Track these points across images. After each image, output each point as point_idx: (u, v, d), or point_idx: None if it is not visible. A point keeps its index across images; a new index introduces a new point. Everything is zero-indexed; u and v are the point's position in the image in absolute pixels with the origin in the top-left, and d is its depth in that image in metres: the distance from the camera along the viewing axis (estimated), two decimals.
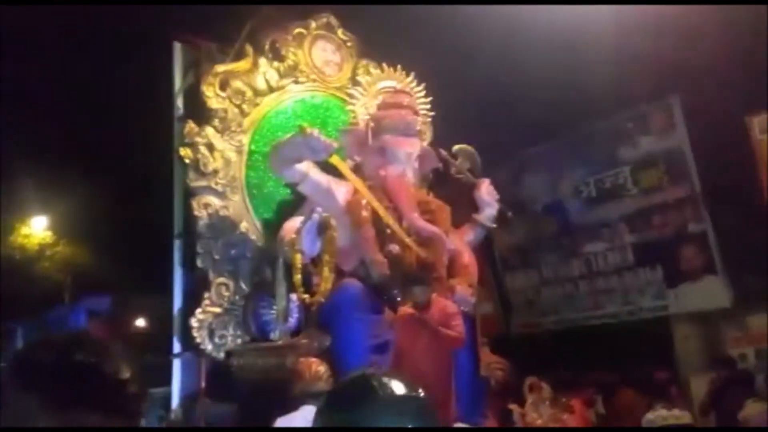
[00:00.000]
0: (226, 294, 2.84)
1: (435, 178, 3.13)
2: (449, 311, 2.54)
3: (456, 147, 3.13)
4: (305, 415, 1.96)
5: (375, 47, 3.35)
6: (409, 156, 2.80)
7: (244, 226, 2.91)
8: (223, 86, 3.00)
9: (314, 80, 3.24)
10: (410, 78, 3.04)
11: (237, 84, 3.02)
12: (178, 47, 3.10)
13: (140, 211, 3.02)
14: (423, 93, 3.04)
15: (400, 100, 2.90)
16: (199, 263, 2.84)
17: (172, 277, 2.95)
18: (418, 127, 2.88)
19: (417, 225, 2.67)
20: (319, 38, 3.29)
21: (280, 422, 2.05)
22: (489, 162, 3.20)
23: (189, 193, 2.88)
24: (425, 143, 3.09)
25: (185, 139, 2.90)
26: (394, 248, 2.62)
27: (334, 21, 3.33)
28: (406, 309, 2.49)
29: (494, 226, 3.11)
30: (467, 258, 2.84)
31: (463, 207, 3.07)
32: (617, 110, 4.39)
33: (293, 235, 2.51)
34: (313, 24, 3.28)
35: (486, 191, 3.07)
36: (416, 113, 2.93)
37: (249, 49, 3.08)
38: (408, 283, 2.56)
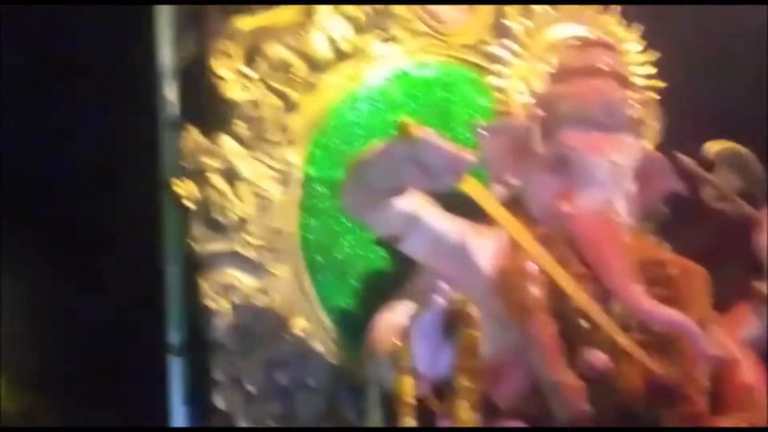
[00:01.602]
0: None
1: (674, 211, 3.09)
2: None
3: (714, 147, 3.10)
4: None
5: None
6: (617, 171, 2.75)
7: (300, 325, 2.94)
8: (252, 58, 3.05)
9: (422, 33, 3.26)
10: (614, 16, 3.03)
11: (277, 51, 3.08)
12: None
13: (102, 306, 3.10)
14: (642, 44, 3.02)
15: (593, 60, 2.87)
16: (218, 402, 2.88)
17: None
18: (632, 114, 2.83)
19: (643, 309, 2.62)
20: None
21: None
22: None
23: (194, 266, 2.93)
24: (649, 145, 3.05)
25: (183, 163, 2.97)
26: (599, 358, 2.59)
27: None
28: None
29: None
30: (749, 374, 2.77)
31: (734, 267, 3.01)
32: None
33: (396, 341, 2.50)
34: None
35: None
36: (628, 85, 2.89)
37: None
38: (628, 425, 2.52)
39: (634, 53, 3.00)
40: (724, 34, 3.68)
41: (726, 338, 2.79)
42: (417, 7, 3.26)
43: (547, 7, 3.03)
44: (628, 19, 3.02)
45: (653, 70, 3.01)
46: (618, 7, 3.00)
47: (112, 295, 3.06)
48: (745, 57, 3.76)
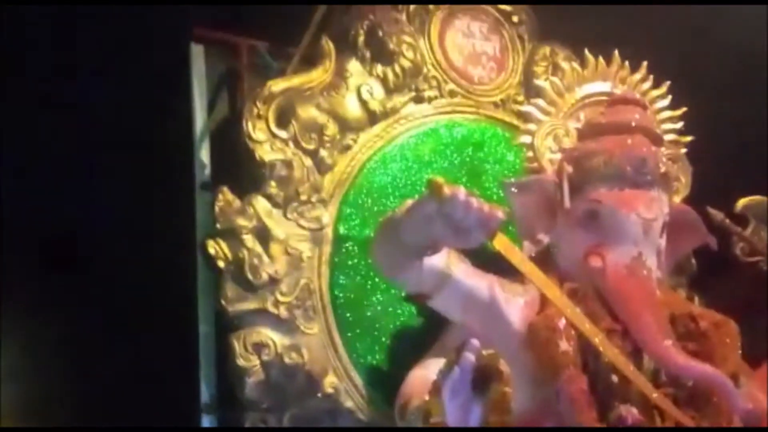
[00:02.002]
0: None
1: (704, 265, 3.07)
2: None
3: (744, 201, 3.10)
4: None
5: (564, 21, 3.40)
6: (647, 227, 2.73)
7: (331, 382, 2.94)
8: (284, 119, 3.08)
9: (452, 93, 3.32)
10: (641, 73, 3.03)
11: (309, 112, 3.11)
12: (197, 51, 3.23)
13: (137, 364, 3.12)
14: (668, 100, 3.02)
15: (623, 117, 2.87)
16: None
17: None
18: (662, 169, 2.83)
19: (675, 363, 2.58)
20: (459, 12, 3.38)
21: None
22: None
23: (226, 326, 2.94)
24: (679, 199, 3.06)
25: (216, 223, 2.98)
26: (630, 413, 2.55)
27: None
28: None
29: None
30: None
31: (765, 320, 2.97)
32: None
33: (426, 398, 2.50)
34: None
35: None
36: (657, 141, 2.89)
37: (327, 44, 3.18)
38: None
39: (662, 109, 3.00)
40: (753, 87, 3.70)
41: (758, 391, 2.76)
42: (447, 67, 3.32)
43: (575, 66, 3.04)
44: (656, 75, 3.02)
45: (681, 125, 3.02)
46: (645, 64, 3.01)
47: (146, 353, 3.07)
48: None
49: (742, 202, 3.06)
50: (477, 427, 2.52)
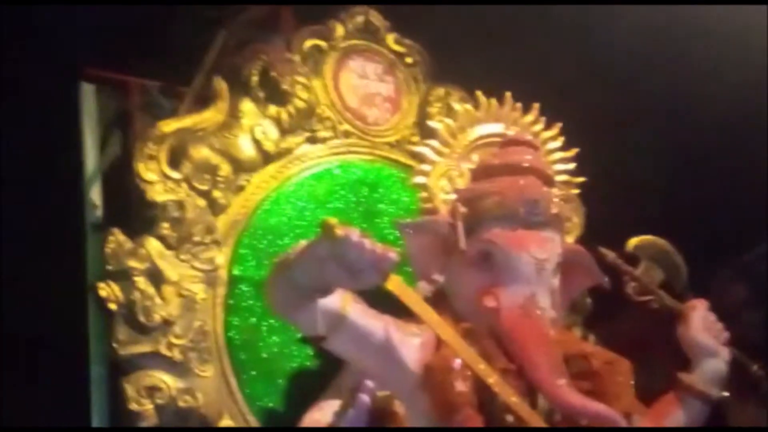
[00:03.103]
0: None
1: (598, 304, 3.12)
2: None
3: (635, 242, 3.15)
4: None
5: (458, 62, 3.46)
6: (540, 267, 2.80)
7: (226, 425, 2.93)
8: (176, 160, 3.08)
9: (347, 133, 3.35)
10: (533, 114, 3.10)
11: (202, 153, 3.12)
12: (88, 90, 3.22)
13: (27, 410, 3.06)
14: (560, 141, 3.10)
15: (516, 158, 2.95)
16: None
17: None
18: (554, 210, 2.89)
19: (568, 402, 2.64)
20: (353, 53, 3.43)
21: None
22: (703, 267, 3.20)
23: (118, 370, 2.91)
24: (571, 239, 3.14)
25: (107, 265, 2.96)
26: None
27: (378, 19, 3.45)
28: None
29: (725, 395, 3.04)
30: None
31: (658, 359, 3.03)
32: None
33: None
34: (340, 29, 3.41)
35: (702, 325, 3.02)
36: (549, 182, 2.96)
37: (221, 85, 3.19)
38: None
39: (553, 150, 3.08)
40: (646, 128, 3.78)
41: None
42: (342, 108, 3.35)
43: (469, 107, 3.11)
44: (548, 117, 3.09)
45: (573, 166, 3.09)
46: (537, 106, 3.08)
47: (37, 398, 3.02)
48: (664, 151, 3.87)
49: (633, 242, 3.11)
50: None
